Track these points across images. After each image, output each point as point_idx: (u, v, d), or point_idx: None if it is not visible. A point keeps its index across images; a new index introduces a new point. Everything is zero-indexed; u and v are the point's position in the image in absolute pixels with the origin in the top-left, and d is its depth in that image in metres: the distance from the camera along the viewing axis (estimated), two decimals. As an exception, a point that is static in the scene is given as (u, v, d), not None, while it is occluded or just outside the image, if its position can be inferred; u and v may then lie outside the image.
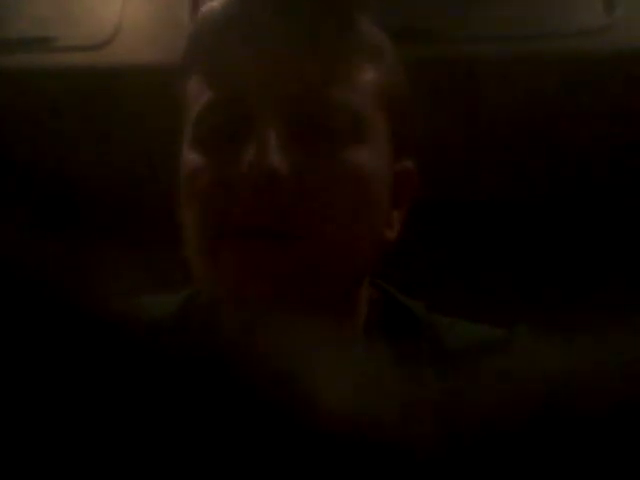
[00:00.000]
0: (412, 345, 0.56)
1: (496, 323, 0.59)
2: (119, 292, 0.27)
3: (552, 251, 1.23)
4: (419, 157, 0.60)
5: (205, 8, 0.57)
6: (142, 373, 0.25)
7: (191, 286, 0.61)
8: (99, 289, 0.27)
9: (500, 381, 0.25)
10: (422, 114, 0.63)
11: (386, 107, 0.55)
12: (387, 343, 0.55)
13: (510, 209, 1.22)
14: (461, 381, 0.26)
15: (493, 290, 1.14)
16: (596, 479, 0.23)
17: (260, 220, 0.50)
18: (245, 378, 0.25)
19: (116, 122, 1.19)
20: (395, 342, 0.55)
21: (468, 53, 1.15)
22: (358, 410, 0.24)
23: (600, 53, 1.11)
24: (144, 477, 0.25)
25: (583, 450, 0.23)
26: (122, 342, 0.25)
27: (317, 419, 0.24)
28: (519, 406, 0.24)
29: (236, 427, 0.25)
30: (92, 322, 0.25)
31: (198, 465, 0.25)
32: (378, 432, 0.24)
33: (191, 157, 0.54)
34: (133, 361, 0.25)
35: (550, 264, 1.22)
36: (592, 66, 1.12)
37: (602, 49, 1.11)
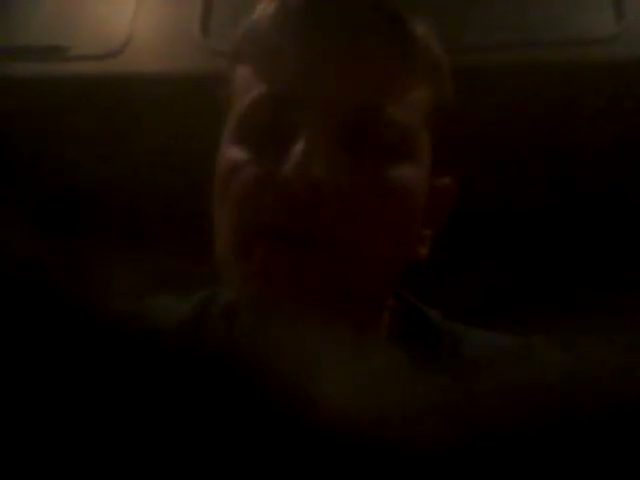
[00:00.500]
0: (430, 353, 0.56)
1: (505, 331, 0.59)
2: (122, 293, 0.27)
3: (554, 257, 1.23)
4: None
5: (264, 4, 0.55)
6: (148, 375, 0.25)
7: (207, 288, 0.61)
8: (101, 290, 0.27)
9: (517, 388, 0.26)
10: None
11: (432, 124, 0.54)
12: (407, 351, 0.55)
13: (513, 216, 1.22)
14: (478, 387, 0.26)
15: (498, 297, 1.14)
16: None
17: (295, 226, 0.49)
18: (260, 383, 0.25)
19: (127, 130, 1.20)
20: (414, 350, 0.55)
21: (472, 61, 1.15)
22: (375, 415, 0.25)
23: (610, 61, 1.11)
24: (148, 477, 0.25)
25: (600, 455, 0.23)
26: (126, 345, 0.26)
27: (335, 424, 0.24)
28: (535, 413, 0.24)
29: (249, 430, 0.25)
30: (94, 324, 0.25)
31: (201, 467, 0.25)
32: (394, 436, 0.24)
33: (232, 153, 0.52)
34: (138, 364, 0.25)
35: (552, 270, 1.22)
36: (601, 74, 1.12)
37: (612, 57, 1.11)
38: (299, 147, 0.49)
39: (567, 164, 1.18)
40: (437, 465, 0.23)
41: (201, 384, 0.25)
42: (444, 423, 0.25)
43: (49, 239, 0.26)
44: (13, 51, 1.24)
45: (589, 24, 1.13)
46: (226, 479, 0.24)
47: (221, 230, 0.53)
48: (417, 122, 0.53)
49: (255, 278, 0.51)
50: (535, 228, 1.25)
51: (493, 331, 0.60)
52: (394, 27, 0.53)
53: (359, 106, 0.51)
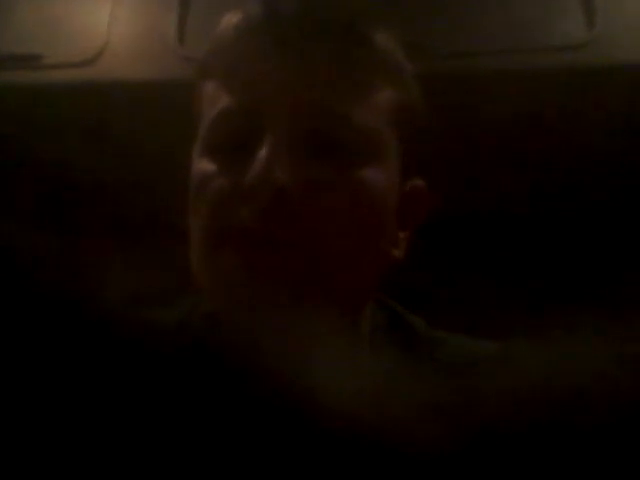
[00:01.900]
0: (413, 358, 0.57)
1: (495, 336, 0.60)
2: (119, 294, 0.27)
3: (550, 263, 1.24)
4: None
5: (227, 18, 0.56)
6: (144, 377, 0.25)
7: (191, 294, 0.61)
8: (98, 289, 0.27)
9: (495, 392, 0.26)
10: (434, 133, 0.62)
11: (399, 126, 0.55)
12: (390, 356, 0.55)
13: (505, 221, 1.23)
14: (459, 393, 0.26)
15: (490, 303, 1.15)
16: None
17: (264, 230, 0.50)
18: (248, 382, 0.25)
19: (103, 137, 1.20)
20: (397, 356, 0.55)
21: (450, 68, 1.16)
22: (362, 411, 0.25)
23: (581, 68, 1.13)
24: (146, 477, 0.25)
25: (582, 455, 0.24)
26: (125, 344, 0.26)
27: (321, 421, 0.24)
28: (516, 410, 0.24)
29: (240, 429, 0.25)
30: (90, 322, 0.26)
31: (202, 467, 0.25)
32: (381, 433, 0.24)
33: (202, 164, 0.54)
34: (135, 364, 0.26)
35: (547, 276, 1.23)
36: (573, 80, 1.13)
37: (583, 64, 1.12)
38: (262, 153, 0.50)
39: (540, 169, 1.20)
40: (433, 465, 0.23)
41: (191, 385, 0.25)
42: (437, 424, 0.25)
43: (45, 239, 0.26)
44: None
45: (560, 31, 1.15)
46: (222, 478, 0.25)
47: (193, 238, 0.54)
48: (381, 124, 0.54)
49: (226, 283, 0.52)
50: (520, 231, 1.26)
51: (478, 338, 0.61)
52: (351, 34, 0.54)
53: (319, 111, 0.52)
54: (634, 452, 0.24)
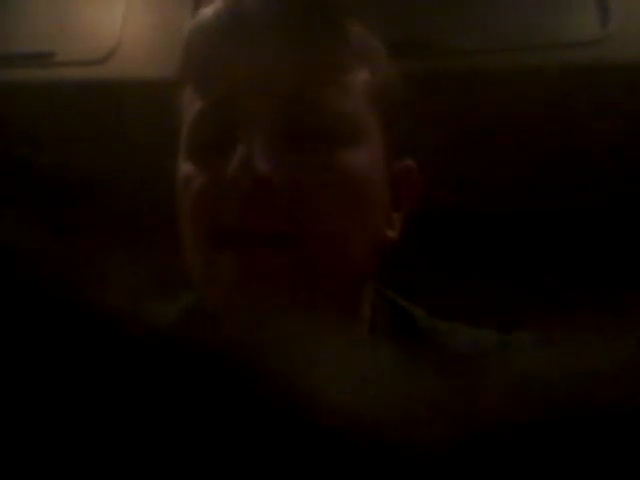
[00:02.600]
0: (414, 349, 0.56)
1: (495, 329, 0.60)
2: (121, 293, 0.27)
3: (550, 259, 1.24)
4: (420, 168, 0.60)
5: (195, 19, 0.57)
6: (143, 376, 0.26)
7: (190, 292, 0.61)
8: (99, 289, 0.27)
9: (500, 383, 0.26)
10: (418, 120, 0.63)
11: (379, 107, 0.55)
12: (390, 346, 0.55)
13: (509, 218, 1.23)
14: (462, 383, 0.26)
15: (491, 297, 1.15)
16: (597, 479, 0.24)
17: (254, 225, 0.50)
18: (247, 380, 0.25)
19: (116, 135, 1.20)
20: (398, 346, 0.55)
21: (465, 65, 1.15)
22: (362, 410, 0.25)
23: (595, 65, 1.12)
24: (144, 477, 0.25)
25: (584, 451, 0.24)
26: (124, 344, 0.26)
27: (321, 419, 0.24)
28: (519, 408, 0.24)
29: (239, 428, 0.25)
30: (91, 322, 0.26)
31: (201, 467, 0.25)
32: (382, 432, 0.24)
33: (184, 167, 0.54)
34: (134, 364, 0.26)
35: (548, 271, 1.22)
36: (587, 78, 1.13)
37: (597, 61, 1.12)
38: (241, 147, 0.50)
39: (555, 166, 1.19)
40: (436, 464, 0.23)
41: (190, 383, 0.25)
42: (441, 421, 0.25)
43: (46, 238, 0.26)
44: (2, 58, 1.24)
45: (574, 28, 1.14)
46: (222, 478, 0.25)
47: (186, 242, 0.54)
48: (359, 106, 0.54)
49: (223, 284, 0.52)
50: (529, 229, 1.25)
51: (479, 328, 0.61)
52: (319, 19, 0.54)
53: (292, 99, 0.52)
54: (634, 452, 0.24)
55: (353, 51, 0.55)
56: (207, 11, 0.55)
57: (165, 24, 1.22)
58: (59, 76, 1.23)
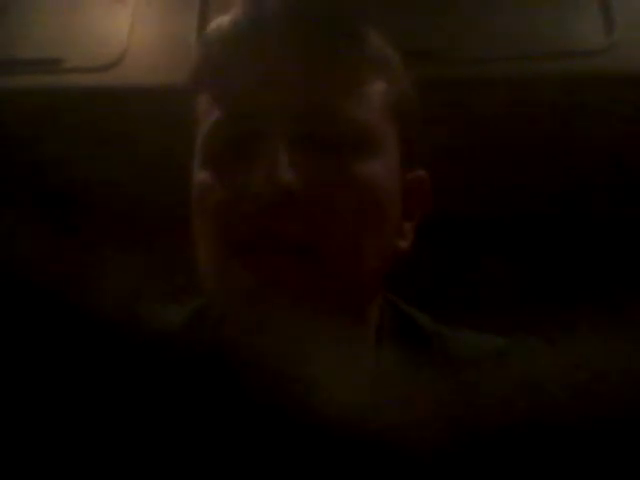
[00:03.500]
0: (421, 355, 0.57)
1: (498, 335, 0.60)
2: (124, 296, 0.28)
3: (552, 263, 1.24)
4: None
5: (212, 27, 0.57)
6: (148, 379, 0.26)
7: (199, 297, 0.61)
8: (100, 291, 0.27)
9: (506, 387, 0.26)
10: (426, 130, 0.63)
11: (395, 118, 0.56)
12: (397, 352, 0.55)
13: (510, 224, 1.23)
14: (468, 388, 0.27)
15: (495, 303, 1.15)
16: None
17: (275, 234, 0.51)
18: (253, 386, 0.25)
19: (123, 143, 1.20)
20: (405, 352, 0.56)
21: (467, 74, 1.16)
22: (364, 412, 0.25)
23: (599, 74, 1.12)
24: (147, 477, 0.25)
25: (582, 454, 0.24)
26: (130, 347, 0.26)
27: (324, 420, 0.25)
28: (520, 411, 0.25)
29: (244, 430, 0.25)
30: (93, 324, 0.26)
31: (204, 467, 0.25)
32: (383, 433, 0.25)
33: (202, 176, 0.54)
34: (140, 366, 0.26)
35: (550, 276, 1.22)
36: (591, 87, 1.13)
37: (601, 71, 1.12)
38: (265, 157, 0.50)
39: (558, 173, 1.19)
40: (436, 466, 0.23)
41: (194, 386, 0.25)
42: (442, 425, 0.25)
43: (50, 241, 0.26)
44: (9, 64, 1.25)
45: (578, 37, 1.14)
46: (224, 478, 0.25)
47: (202, 251, 0.54)
48: (376, 117, 0.54)
49: (240, 292, 0.52)
50: (530, 234, 1.26)
51: (484, 333, 0.61)
52: (338, 31, 0.55)
53: (312, 108, 0.52)
54: (635, 452, 0.24)
55: (371, 62, 0.55)
56: (224, 20, 0.56)
57: (172, 32, 1.23)
58: (66, 83, 1.23)
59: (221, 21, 0.56)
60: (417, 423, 0.25)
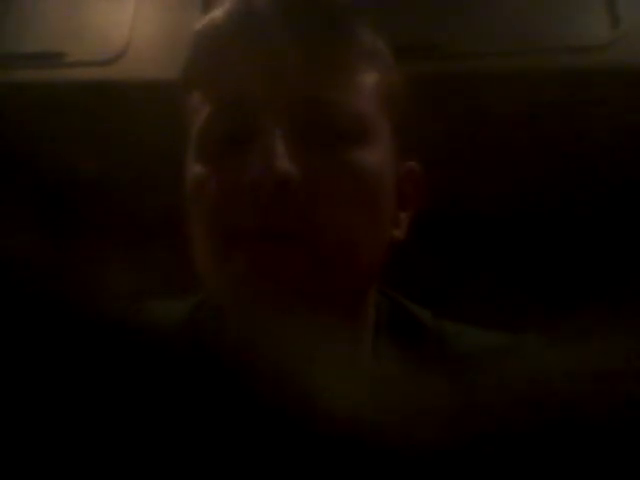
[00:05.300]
0: (420, 350, 0.57)
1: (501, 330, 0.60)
2: (123, 294, 0.28)
3: (553, 261, 1.24)
4: (426, 171, 0.61)
5: (205, 20, 0.57)
6: (149, 375, 0.26)
7: (199, 292, 0.61)
8: (101, 289, 0.27)
9: (507, 384, 0.26)
10: (423, 126, 0.64)
11: (387, 108, 0.56)
12: (396, 348, 0.56)
13: (511, 221, 1.23)
14: (469, 384, 0.26)
15: (497, 299, 1.15)
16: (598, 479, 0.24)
17: (271, 223, 0.51)
18: (252, 381, 0.25)
19: (125, 137, 1.20)
20: (404, 347, 0.56)
21: (470, 68, 1.15)
22: (363, 411, 0.25)
23: (604, 69, 1.12)
24: (148, 476, 0.25)
25: (586, 451, 0.24)
26: (130, 345, 0.26)
27: (322, 420, 0.25)
28: (524, 409, 0.24)
29: (242, 428, 0.25)
30: (98, 324, 0.26)
31: (203, 465, 0.25)
32: (382, 432, 0.24)
33: (197, 168, 0.54)
34: (141, 363, 0.26)
35: (551, 274, 1.22)
36: (596, 81, 1.12)
37: (606, 65, 1.12)
38: (260, 147, 0.50)
39: (562, 170, 1.19)
40: (434, 465, 0.23)
41: (199, 382, 0.25)
42: (442, 423, 0.25)
43: (48, 239, 0.26)
44: (11, 57, 1.25)
45: (583, 31, 1.14)
46: (223, 477, 0.25)
47: (198, 242, 0.55)
48: (369, 106, 0.55)
49: (239, 282, 0.52)
50: (531, 231, 1.25)
51: (486, 329, 0.61)
52: (331, 20, 0.55)
53: (304, 97, 0.52)
54: (635, 452, 0.24)
55: (364, 52, 0.56)
56: (216, 12, 0.56)
57: (174, 26, 1.22)
58: (68, 77, 1.23)
59: (212, 14, 0.56)
60: (412, 420, 0.25)
